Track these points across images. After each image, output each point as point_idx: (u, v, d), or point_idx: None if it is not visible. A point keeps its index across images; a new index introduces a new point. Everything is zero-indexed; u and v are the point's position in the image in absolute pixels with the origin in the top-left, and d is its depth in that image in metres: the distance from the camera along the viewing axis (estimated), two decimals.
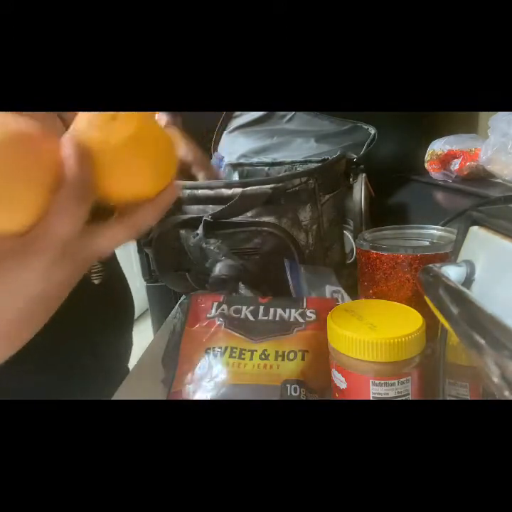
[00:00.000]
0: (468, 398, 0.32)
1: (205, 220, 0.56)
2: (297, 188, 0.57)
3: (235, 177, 0.73)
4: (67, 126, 0.52)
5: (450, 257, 0.29)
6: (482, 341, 0.17)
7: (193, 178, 0.65)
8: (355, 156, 0.66)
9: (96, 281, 0.52)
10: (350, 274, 0.62)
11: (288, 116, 0.78)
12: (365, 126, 0.75)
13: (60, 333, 0.47)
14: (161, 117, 0.65)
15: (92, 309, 0.52)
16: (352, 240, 0.61)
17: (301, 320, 0.44)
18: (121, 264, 0.68)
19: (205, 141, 0.81)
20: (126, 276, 0.69)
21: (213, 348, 0.43)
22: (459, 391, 0.32)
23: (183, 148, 0.63)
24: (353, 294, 0.52)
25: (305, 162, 0.71)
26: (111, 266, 0.55)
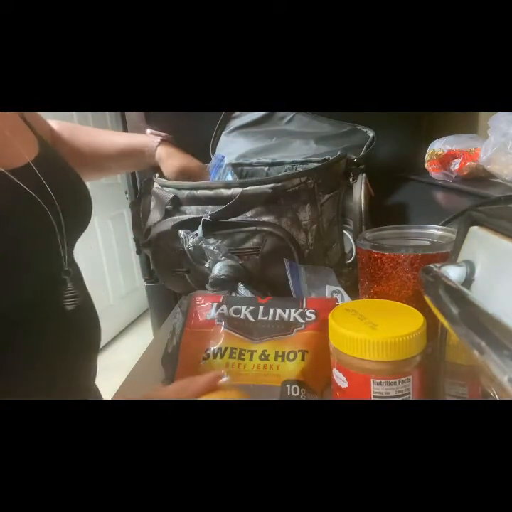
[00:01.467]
0: (467, 397, 0.32)
1: (204, 219, 0.56)
2: (297, 187, 0.57)
3: (235, 177, 0.73)
4: (35, 133, 0.53)
5: (450, 256, 0.29)
6: (482, 341, 0.17)
7: None
8: (355, 157, 0.66)
9: (69, 307, 0.49)
10: (349, 274, 0.62)
11: (287, 118, 0.78)
12: (364, 129, 0.75)
13: (24, 359, 0.46)
14: (154, 138, 0.69)
15: (62, 337, 0.49)
16: (351, 240, 0.61)
17: (300, 320, 0.44)
18: (122, 264, 0.69)
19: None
20: (127, 276, 0.69)
21: (213, 348, 0.43)
22: (458, 390, 0.32)
23: (181, 160, 0.68)
24: (353, 293, 0.52)
25: (305, 162, 0.71)
26: (82, 292, 0.54)
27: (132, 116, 0.95)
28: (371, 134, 0.73)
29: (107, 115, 2.41)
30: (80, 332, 0.53)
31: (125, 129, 0.98)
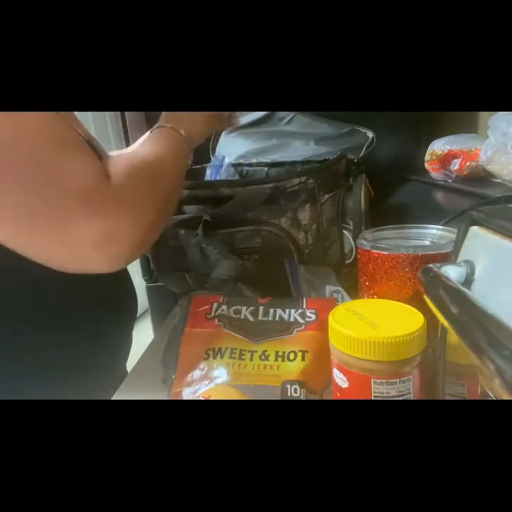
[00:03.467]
0: (466, 397, 0.32)
1: (204, 219, 0.56)
2: (297, 187, 0.57)
3: (236, 177, 0.73)
4: None
5: (450, 256, 0.29)
6: (482, 341, 0.17)
7: None
8: (355, 158, 0.66)
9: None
10: (349, 274, 0.62)
11: (287, 119, 0.78)
12: (363, 130, 0.75)
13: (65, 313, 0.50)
14: None
15: (100, 295, 0.53)
16: (351, 240, 0.61)
17: (300, 320, 0.44)
18: None
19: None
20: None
21: (213, 348, 0.42)
22: (457, 389, 0.32)
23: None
24: (352, 293, 0.52)
25: (306, 162, 0.71)
26: None
27: (132, 116, 0.95)
28: (370, 134, 0.73)
29: (107, 115, 2.41)
30: (122, 296, 0.59)
31: (125, 129, 0.98)
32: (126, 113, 0.97)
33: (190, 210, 0.60)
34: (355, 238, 0.60)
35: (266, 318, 0.45)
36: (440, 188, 0.75)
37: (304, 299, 0.46)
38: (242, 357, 0.41)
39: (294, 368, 0.40)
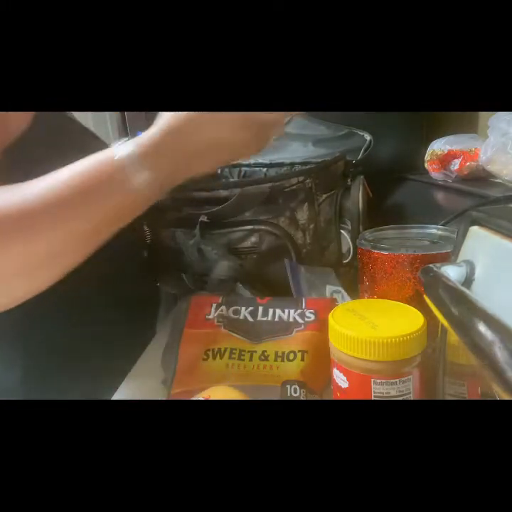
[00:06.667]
0: (466, 397, 0.32)
1: (201, 220, 0.56)
2: (295, 187, 0.57)
3: (234, 177, 0.73)
4: None
5: (450, 256, 0.29)
6: (482, 341, 0.17)
7: None
8: (354, 160, 0.66)
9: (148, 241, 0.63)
10: (347, 274, 0.62)
11: (285, 120, 0.78)
12: (361, 133, 0.75)
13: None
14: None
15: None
16: (349, 240, 0.61)
17: (300, 320, 0.44)
18: None
19: None
20: None
21: (213, 349, 0.42)
22: (458, 390, 0.32)
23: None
24: (352, 293, 0.52)
25: (304, 164, 0.71)
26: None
27: (132, 116, 0.95)
28: (368, 137, 0.73)
29: (107, 115, 2.41)
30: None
31: (125, 129, 0.98)
32: (126, 113, 0.97)
33: (188, 210, 0.60)
34: (353, 238, 0.60)
35: (265, 319, 0.45)
36: (440, 188, 0.75)
37: (303, 299, 0.46)
38: (242, 357, 0.41)
39: (293, 368, 0.40)
